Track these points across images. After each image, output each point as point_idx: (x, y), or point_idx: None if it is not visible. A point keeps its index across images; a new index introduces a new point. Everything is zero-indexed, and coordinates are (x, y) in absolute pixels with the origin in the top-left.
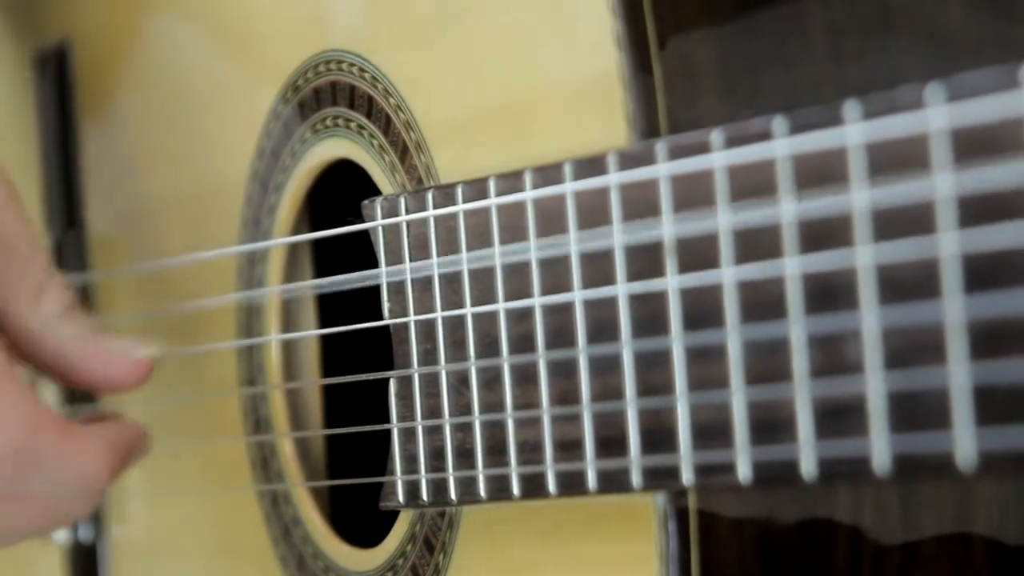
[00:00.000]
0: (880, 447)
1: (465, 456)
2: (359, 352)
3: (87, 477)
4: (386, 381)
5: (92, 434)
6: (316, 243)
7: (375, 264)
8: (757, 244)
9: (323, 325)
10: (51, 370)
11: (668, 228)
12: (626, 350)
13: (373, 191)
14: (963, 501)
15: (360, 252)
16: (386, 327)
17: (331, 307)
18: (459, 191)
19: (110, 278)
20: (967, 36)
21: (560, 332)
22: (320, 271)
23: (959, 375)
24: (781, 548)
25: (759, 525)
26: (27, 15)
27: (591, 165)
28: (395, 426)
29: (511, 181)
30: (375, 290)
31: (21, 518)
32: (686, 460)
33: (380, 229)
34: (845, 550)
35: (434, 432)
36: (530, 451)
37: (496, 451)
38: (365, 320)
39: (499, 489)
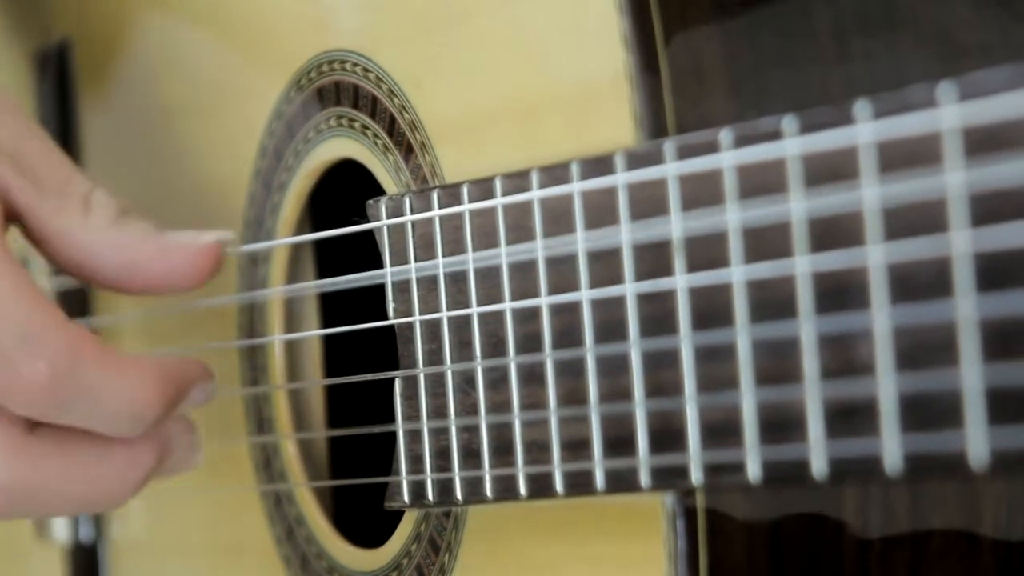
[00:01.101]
0: (892, 447)
1: (471, 456)
2: (362, 352)
3: (136, 402)
4: (389, 381)
5: (138, 360)
6: (319, 243)
7: (379, 264)
8: (767, 243)
9: (326, 325)
10: (123, 280)
11: (676, 227)
12: (634, 350)
13: (377, 191)
14: (971, 500)
15: (364, 252)
16: (389, 327)
17: (334, 307)
18: (465, 191)
19: None
20: (973, 35)
21: (567, 332)
22: (323, 271)
23: (971, 374)
24: (790, 547)
25: (768, 524)
26: (28, 13)
27: (598, 165)
28: (400, 427)
29: (517, 181)
30: (378, 290)
31: (75, 464)
32: (695, 460)
33: (385, 229)
34: (853, 549)
35: (440, 432)
36: (537, 451)
37: (503, 451)
38: (367, 320)
39: (506, 489)
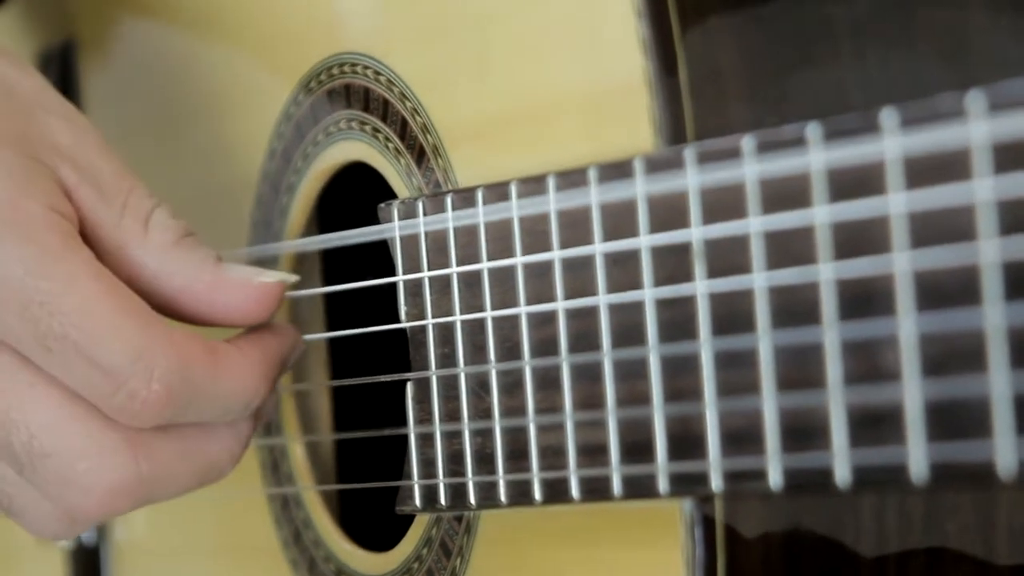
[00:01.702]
0: (917, 456)
1: (485, 461)
2: (368, 355)
3: (246, 394)
4: (396, 384)
5: (240, 350)
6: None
7: (385, 266)
8: (790, 249)
9: (332, 327)
10: (173, 306)
11: (696, 232)
12: (653, 354)
13: (387, 194)
14: (987, 506)
15: (370, 255)
16: (397, 331)
17: (340, 309)
18: (479, 195)
19: None
20: (990, 38)
21: (584, 336)
22: (329, 272)
23: (1000, 383)
24: (807, 554)
25: (785, 531)
26: (34, 12)
27: (617, 170)
28: (412, 430)
29: (533, 186)
30: (383, 293)
31: (192, 452)
32: (715, 466)
33: (397, 233)
34: (870, 555)
35: (452, 436)
36: (553, 456)
37: (517, 456)
38: (372, 323)
39: (520, 494)
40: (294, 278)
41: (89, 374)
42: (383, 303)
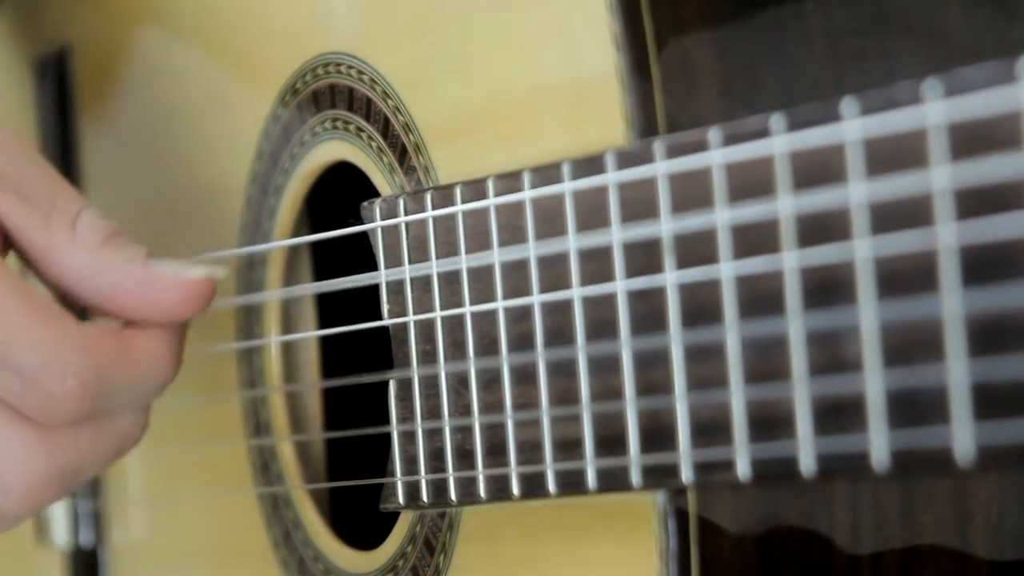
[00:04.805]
0: (879, 443)
1: (465, 457)
2: (359, 353)
3: (159, 375)
4: (386, 382)
5: (148, 334)
6: (315, 245)
7: (375, 265)
8: (755, 239)
9: (323, 326)
10: (104, 305)
11: (666, 225)
12: (625, 348)
13: (372, 193)
14: (962, 500)
15: (359, 253)
16: (385, 328)
17: (331, 308)
18: (458, 192)
19: None
20: (965, 35)
21: (559, 331)
22: (319, 273)
23: (957, 370)
24: (781, 546)
25: (759, 523)
26: (30, 19)
27: (589, 164)
28: (395, 428)
29: (510, 181)
30: (375, 291)
31: (105, 430)
32: (685, 458)
33: (379, 230)
34: (844, 547)
35: (434, 433)
36: (530, 451)
37: (496, 451)
38: (365, 321)
39: (499, 489)
40: (222, 271)
41: (6, 378)
42: (374, 301)
